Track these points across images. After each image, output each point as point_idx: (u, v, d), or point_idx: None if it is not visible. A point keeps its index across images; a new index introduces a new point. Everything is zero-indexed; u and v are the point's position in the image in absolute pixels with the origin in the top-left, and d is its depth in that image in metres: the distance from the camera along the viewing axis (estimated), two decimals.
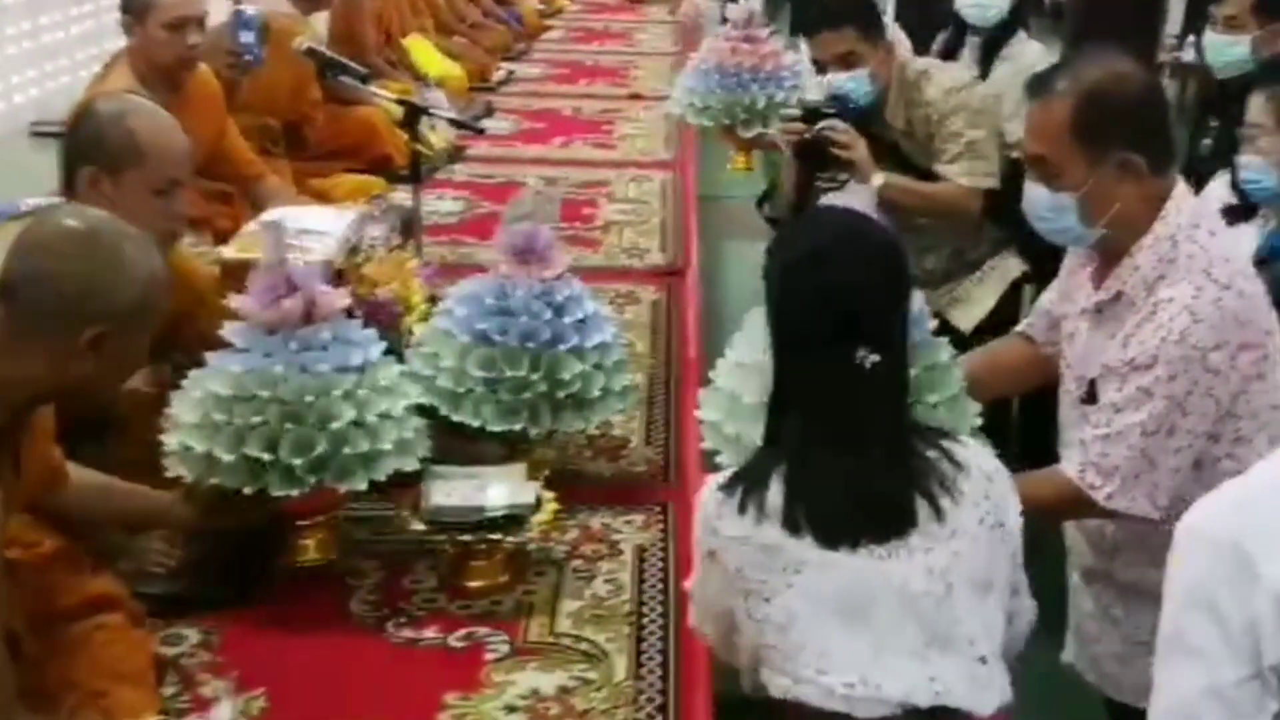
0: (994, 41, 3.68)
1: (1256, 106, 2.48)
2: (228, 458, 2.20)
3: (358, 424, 2.25)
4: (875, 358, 1.58)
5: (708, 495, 1.67)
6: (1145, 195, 2.02)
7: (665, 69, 7.60)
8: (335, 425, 2.23)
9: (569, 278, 2.65)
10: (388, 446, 2.28)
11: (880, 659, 1.56)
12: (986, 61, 3.63)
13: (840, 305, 1.62)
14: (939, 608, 1.59)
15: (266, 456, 2.20)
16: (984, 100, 3.06)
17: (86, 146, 2.37)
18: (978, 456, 1.69)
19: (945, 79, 3.06)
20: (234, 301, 2.28)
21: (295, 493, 2.22)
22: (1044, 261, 3.07)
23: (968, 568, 1.61)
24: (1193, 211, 2.04)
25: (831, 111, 2.96)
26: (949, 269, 3.24)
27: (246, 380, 2.23)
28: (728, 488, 1.64)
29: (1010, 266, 3.16)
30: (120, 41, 3.46)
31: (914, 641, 1.58)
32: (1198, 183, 2.88)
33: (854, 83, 3.06)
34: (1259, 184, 2.42)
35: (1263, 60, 2.95)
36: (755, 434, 2.15)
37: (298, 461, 2.21)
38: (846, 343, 1.59)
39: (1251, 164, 2.42)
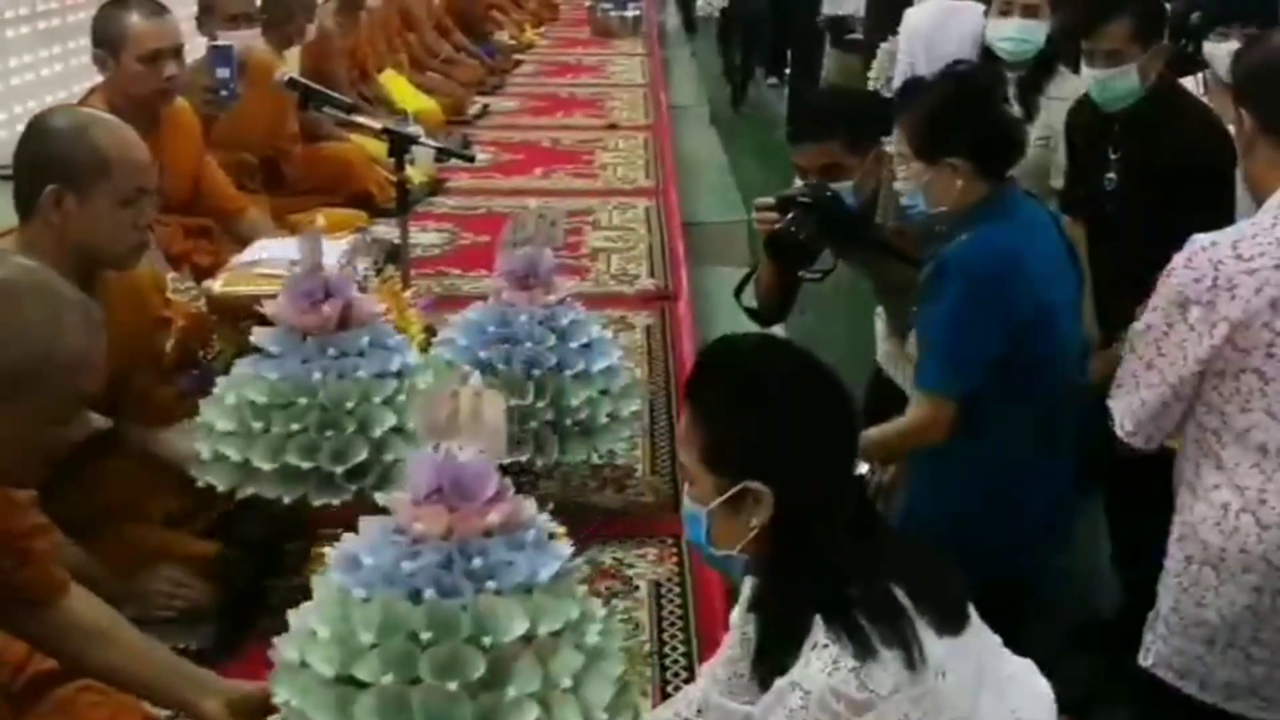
0: (1033, 79, 3.33)
1: (896, 136, 2.40)
2: (266, 466, 2.13)
3: (398, 430, 2.17)
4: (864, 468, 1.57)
5: (828, 689, 1.41)
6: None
7: (640, 100, 7.59)
8: (376, 432, 2.15)
9: (571, 302, 2.56)
10: None
11: (1004, 702, 1.53)
12: (1027, 102, 3.29)
13: (853, 417, 1.57)
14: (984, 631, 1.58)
15: (306, 465, 2.13)
16: None
17: (47, 165, 2.20)
18: None
19: None
20: (268, 307, 2.19)
21: (336, 501, 2.14)
22: None
23: None
24: None
25: (807, 201, 2.56)
26: None
27: (284, 387, 2.15)
28: (860, 656, 1.41)
29: None
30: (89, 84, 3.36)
31: (1004, 667, 1.57)
32: (1105, 219, 2.82)
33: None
34: (914, 207, 2.36)
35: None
36: None
37: (338, 469, 2.14)
38: (854, 455, 1.55)
39: (905, 188, 2.36)
